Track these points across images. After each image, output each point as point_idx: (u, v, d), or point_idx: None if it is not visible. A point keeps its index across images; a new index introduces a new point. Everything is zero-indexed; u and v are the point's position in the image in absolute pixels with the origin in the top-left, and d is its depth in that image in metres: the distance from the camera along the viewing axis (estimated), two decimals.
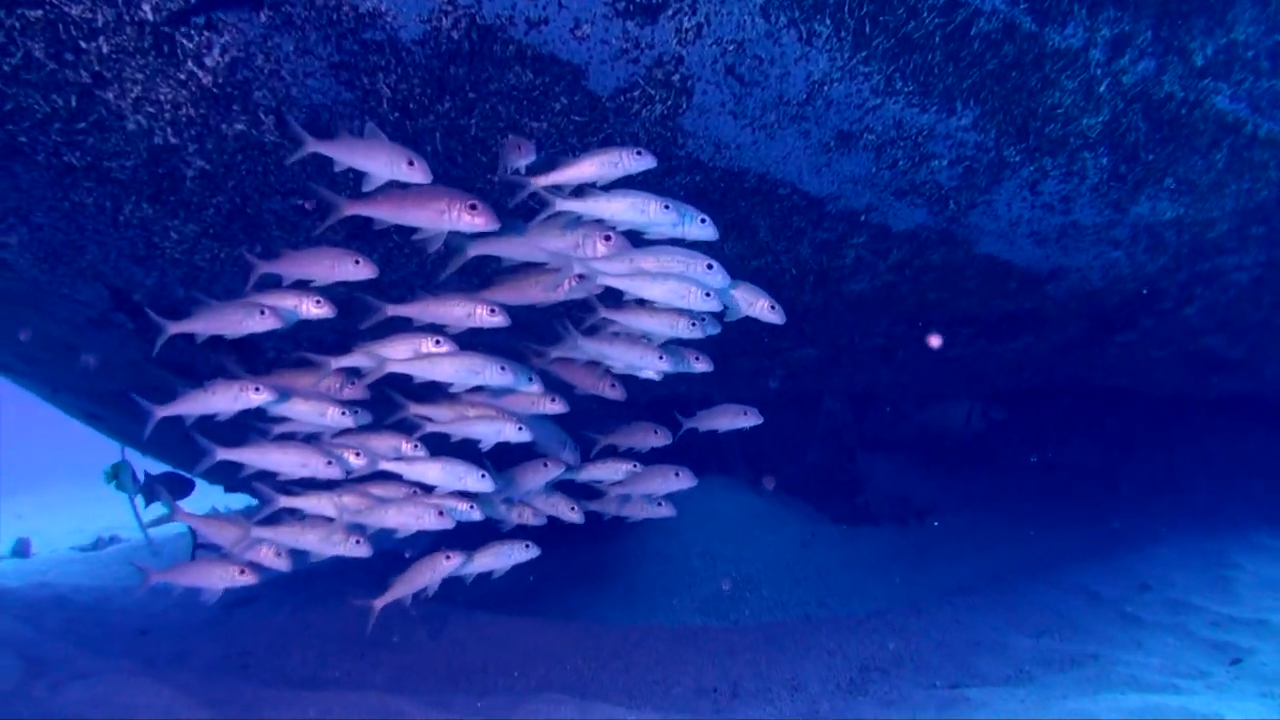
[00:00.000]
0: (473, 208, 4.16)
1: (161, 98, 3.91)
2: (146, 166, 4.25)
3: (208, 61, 3.79)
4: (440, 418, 4.97)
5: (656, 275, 4.38)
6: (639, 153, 4.09)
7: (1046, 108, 4.66)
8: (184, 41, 3.71)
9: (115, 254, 4.99)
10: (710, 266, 4.40)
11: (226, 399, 4.69)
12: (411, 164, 4.06)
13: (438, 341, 4.58)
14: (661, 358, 4.65)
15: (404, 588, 5.03)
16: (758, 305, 4.63)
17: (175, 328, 4.54)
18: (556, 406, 4.98)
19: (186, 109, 3.97)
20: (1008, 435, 11.21)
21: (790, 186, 4.82)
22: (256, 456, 4.91)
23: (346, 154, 4.11)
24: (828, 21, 4.02)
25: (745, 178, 4.71)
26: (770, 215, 4.99)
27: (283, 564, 5.07)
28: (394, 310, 4.49)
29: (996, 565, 8.03)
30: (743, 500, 10.05)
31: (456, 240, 4.34)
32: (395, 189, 4.15)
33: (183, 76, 3.83)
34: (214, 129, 4.07)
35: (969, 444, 10.83)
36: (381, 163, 4.08)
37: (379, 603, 5.03)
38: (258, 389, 4.70)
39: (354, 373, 4.78)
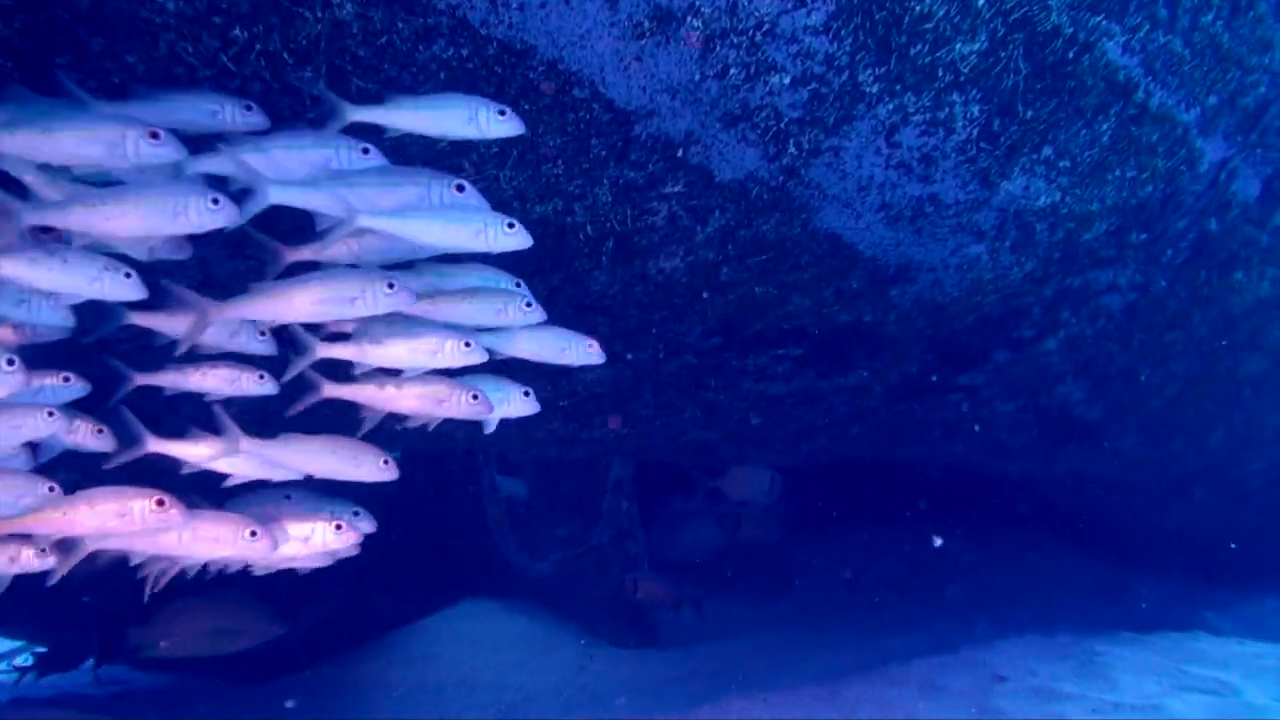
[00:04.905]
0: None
1: None
2: None
3: None
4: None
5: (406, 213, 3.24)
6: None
7: (915, 18, 3.69)
8: None
9: None
10: (461, 188, 3.30)
11: None
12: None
13: None
14: None
15: None
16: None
17: None
18: None
19: None
20: (819, 533, 10.10)
21: (590, 87, 3.65)
22: None
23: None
24: None
25: (531, 62, 3.52)
26: (562, 130, 3.79)
27: None
28: None
29: (816, 672, 6.83)
30: (508, 618, 8.91)
31: None
32: None
33: None
34: None
35: (773, 540, 9.74)
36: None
37: None
38: None
39: None
